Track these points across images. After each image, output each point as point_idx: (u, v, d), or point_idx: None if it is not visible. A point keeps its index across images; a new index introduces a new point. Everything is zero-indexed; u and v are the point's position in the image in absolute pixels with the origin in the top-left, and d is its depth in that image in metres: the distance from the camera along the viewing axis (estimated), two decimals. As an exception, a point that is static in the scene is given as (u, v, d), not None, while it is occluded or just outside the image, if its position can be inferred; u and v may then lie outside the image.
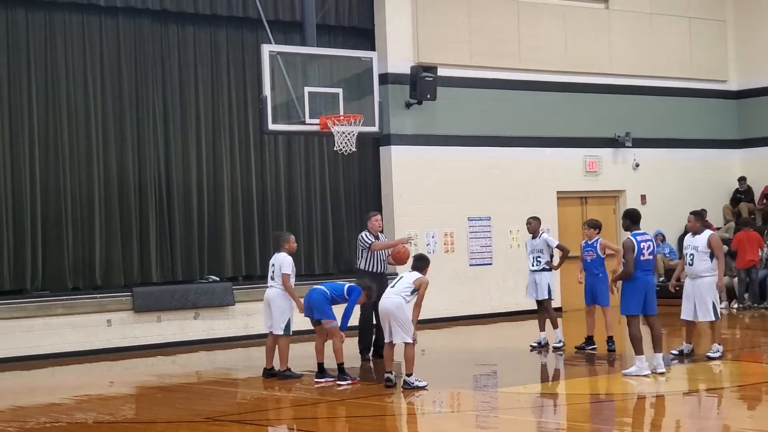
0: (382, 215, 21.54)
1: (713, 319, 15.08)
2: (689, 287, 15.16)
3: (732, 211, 25.49)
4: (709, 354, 15.11)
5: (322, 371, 14.25)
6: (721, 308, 21.78)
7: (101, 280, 19.25)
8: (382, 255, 16.26)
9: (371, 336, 16.32)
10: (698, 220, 15.35)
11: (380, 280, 15.67)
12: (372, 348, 16.33)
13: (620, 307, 14.04)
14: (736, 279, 22.41)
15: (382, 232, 16.57)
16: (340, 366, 14.02)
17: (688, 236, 15.41)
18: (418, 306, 13.41)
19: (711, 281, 15.02)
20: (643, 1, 24.99)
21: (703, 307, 15.02)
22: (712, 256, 15.02)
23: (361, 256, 16.29)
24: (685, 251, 15.34)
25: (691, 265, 15.08)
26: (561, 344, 16.85)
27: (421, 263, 13.72)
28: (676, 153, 25.21)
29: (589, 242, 16.39)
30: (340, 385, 13.87)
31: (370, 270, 16.09)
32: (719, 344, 15.21)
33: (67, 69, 19.24)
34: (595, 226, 16.49)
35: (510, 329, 20.52)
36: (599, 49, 24.30)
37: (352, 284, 14.27)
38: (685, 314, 15.22)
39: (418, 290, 13.35)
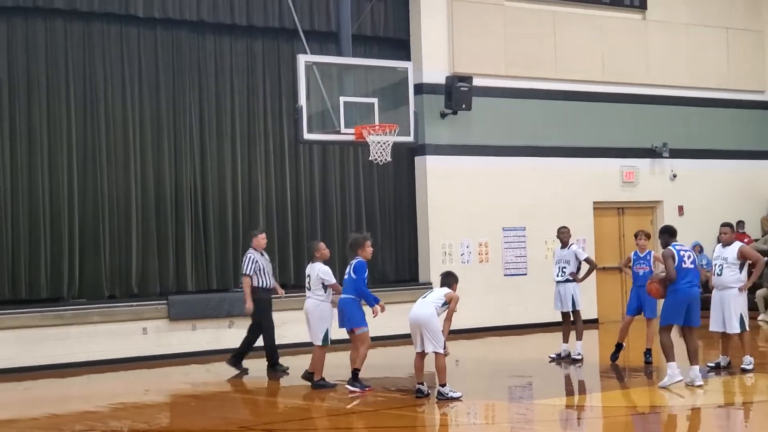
0: (416, 225, 21.75)
1: (739, 331, 15.06)
2: (717, 298, 15.15)
3: (770, 223, 25.29)
4: (743, 366, 15.05)
5: (356, 379, 14.22)
6: (760, 319, 21.83)
7: (137, 289, 19.34)
8: (269, 271, 16.46)
9: (251, 345, 16.63)
10: (733, 231, 15.38)
11: (269, 294, 16.49)
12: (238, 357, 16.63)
13: (660, 318, 14.01)
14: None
15: (266, 249, 16.66)
16: (355, 372, 14.02)
17: (718, 247, 15.40)
18: (448, 320, 13.41)
19: (739, 293, 15.01)
20: (680, 12, 24.86)
21: (731, 319, 15.01)
22: (741, 267, 15.01)
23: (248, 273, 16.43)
24: (714, 262, 15.34)
25: (719, 275, 15.10)
26: (579, 357, 16.86)
27: (450, 279, 13.71)
28: (714, 164, 25.04)
29: (641, 255, 16.37)
30: (351, 391, 13.83)
31: (260, 286, 16.31)
32: (750, 356, 15.21)
33: (105, 79, 19.37)
34: (650, 236, 16.58)
35: (545, 340, 20.40)
36: (636, 60, 24.18)
37: (354, 263, 14.17)
38: (714, 326, 15.19)
39: (449, 304, 13.34)
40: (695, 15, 25.02)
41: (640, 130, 24.07)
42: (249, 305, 16.20)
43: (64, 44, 19.07)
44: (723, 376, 14.93)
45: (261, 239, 16.63)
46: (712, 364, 15.38)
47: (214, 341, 19.20)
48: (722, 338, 15.43)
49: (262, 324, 16.44)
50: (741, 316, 15.05)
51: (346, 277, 14.36)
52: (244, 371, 16.56)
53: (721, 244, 15.36)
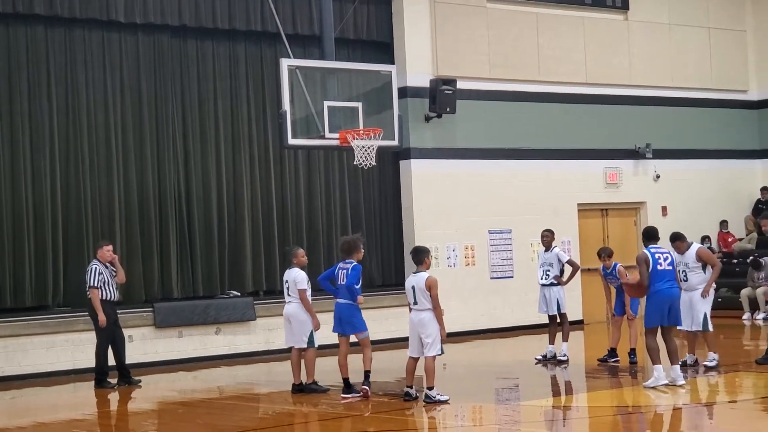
0: (402, 229, 21.73)
1: (701, 329, 15.28)
2: (686, 299, 15.26)
3: (754, 222, 25.34)
4: (705, 363, 15.37)
5: (348, 387, 14.08)
6: (745, 318, 21.93)
7: (123, 296, 19.23)
8: (114, 284, 16.37)
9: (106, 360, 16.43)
10: (683, 242, 15.39)
11: (114, 308, 16.46)
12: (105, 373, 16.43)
13: (644, 319, 14.12)
14: (760, 290, 22.22)
15: (111, 262, 16.49)
16: (367, 373, 13.97)
17: (677, 256, 15.40)
18: (437, 308, 13.26)
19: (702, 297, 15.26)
20: (662, 12, 24.94)
21: (696, 318, 15.25)
22: (704, 268, 15.24)
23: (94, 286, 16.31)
24: (678, 269, 15.33)
25: (686, 280, 15.26)
26: (565, 358, 16.95)
27: (421, 255, 13.40)
28: (697, 164, 25.13)
29: (608, 270, 16.57)
30: (363, 391, 13.82)
31: (105, 298, 16.22)
32: (715, 353, 15.47)
33: (87, 85, 19.33)
34: (611, 254, 16.73)
35: (531, 342, 20.41)
36: (619, 61, 24.25)
37: (354, 266, 13.99)
38: (686, 326, 15.32)
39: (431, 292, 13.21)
40: (677, 15, 25.10)
41: (624, 131, 24.13)
42: (102, 318, 16.06)
43: (45, 50, 19.02)
44: (690, 374, 14.96)
45: (106, 251, 16.42)
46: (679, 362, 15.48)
47: (201, 348, 19.18)
48: (687, 337, 15.70)
49: (101, 334, 16.27)
50: (705, 315, 15.27)
51: (344, 281, 14.01)
52: (137, 383, 16.47)
53: (677, 253, 15.43)
